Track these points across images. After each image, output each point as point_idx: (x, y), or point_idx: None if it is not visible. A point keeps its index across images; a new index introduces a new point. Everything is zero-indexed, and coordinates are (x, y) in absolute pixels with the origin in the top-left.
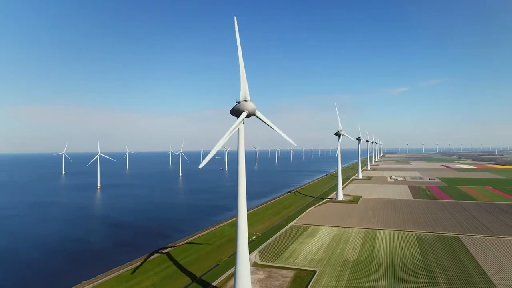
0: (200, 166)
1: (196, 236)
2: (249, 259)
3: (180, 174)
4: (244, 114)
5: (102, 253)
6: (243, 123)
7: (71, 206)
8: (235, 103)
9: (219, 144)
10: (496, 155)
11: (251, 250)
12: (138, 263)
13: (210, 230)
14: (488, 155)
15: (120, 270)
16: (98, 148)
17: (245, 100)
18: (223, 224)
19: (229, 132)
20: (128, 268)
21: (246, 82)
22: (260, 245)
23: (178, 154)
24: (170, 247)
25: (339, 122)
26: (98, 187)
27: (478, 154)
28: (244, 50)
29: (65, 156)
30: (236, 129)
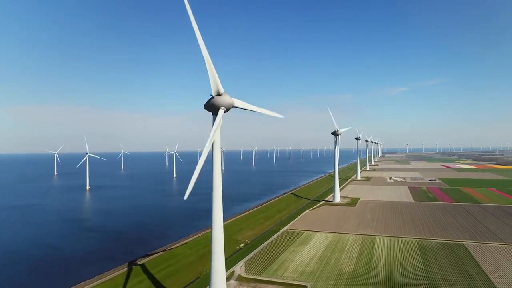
0: (185, 197)
1: (179, 244)
2: (233, 271)
3: (174, 175)
4: (221, 112)
5: (70, 263)
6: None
7: (53, 209)
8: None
9: (203, 157)
10: (496, 155)
11: (237, 260)
12: (108, 277)
13: (195, 236)
14: (488, 155)
15: (86, 285)
16: (87, 148)
17: (219, 94)
18: (209, 230)
19: (210, 138)
20: (97, 282)
21: (216, 74)
22: (248, 255)
23: (173, 154)
24: (148, 256)
25: (334, 123)
26: (87, 189)
27: (479, 154)
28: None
29: (58, 157)
30: (215, 129)
